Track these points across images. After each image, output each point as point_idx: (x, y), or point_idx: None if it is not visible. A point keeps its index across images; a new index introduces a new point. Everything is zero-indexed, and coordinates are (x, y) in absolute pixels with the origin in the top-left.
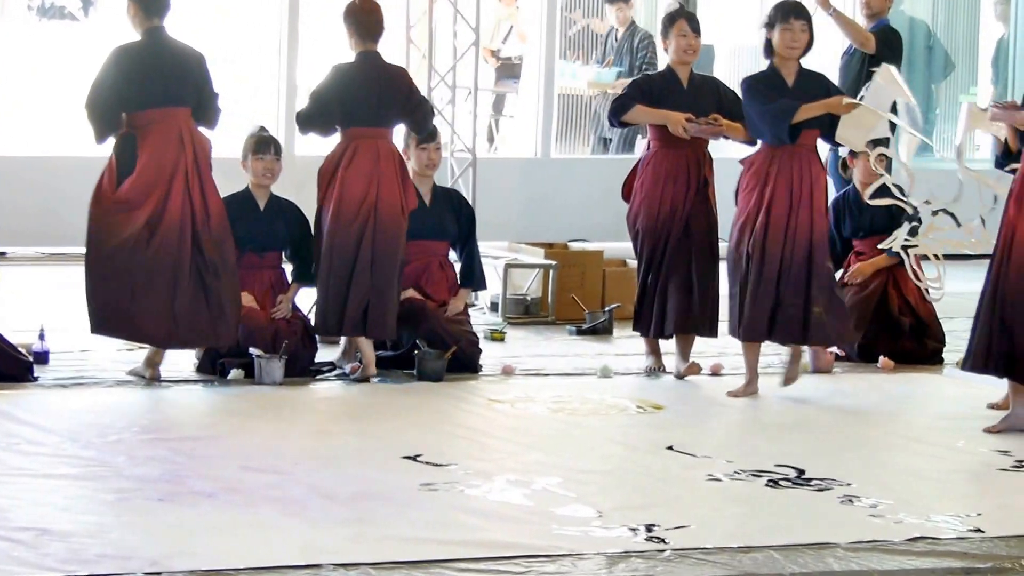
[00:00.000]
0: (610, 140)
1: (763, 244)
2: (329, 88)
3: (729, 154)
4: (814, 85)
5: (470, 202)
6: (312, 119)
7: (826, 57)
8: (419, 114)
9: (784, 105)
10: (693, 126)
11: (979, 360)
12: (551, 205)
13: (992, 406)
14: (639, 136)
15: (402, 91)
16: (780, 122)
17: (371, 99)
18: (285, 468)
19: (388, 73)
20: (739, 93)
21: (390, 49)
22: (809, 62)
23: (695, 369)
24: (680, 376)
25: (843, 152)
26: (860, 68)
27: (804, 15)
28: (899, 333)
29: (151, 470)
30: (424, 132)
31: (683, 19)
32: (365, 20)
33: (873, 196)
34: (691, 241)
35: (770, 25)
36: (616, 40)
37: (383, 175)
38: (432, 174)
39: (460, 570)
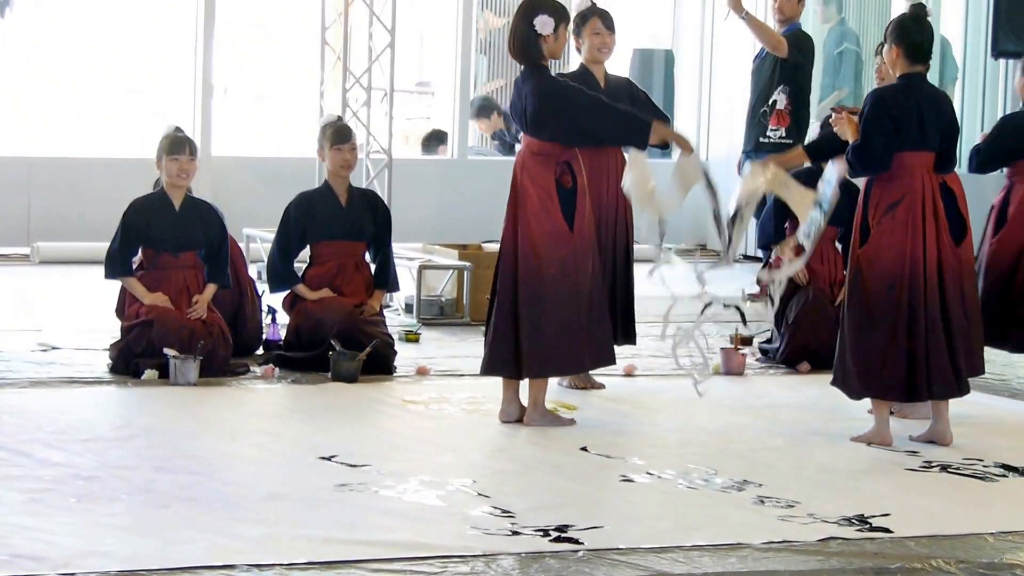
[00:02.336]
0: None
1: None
2: None
3: None
4: None
5: (386, 203)
6: None
7: (738, 60)
8: None
9: None
10: None
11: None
12: (466, 207)
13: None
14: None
15: None
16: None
17: None
18: (199, 468)
19: None
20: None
21: (305, 50)
22: (720, 66)
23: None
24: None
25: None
26: (772, 72)
27: None
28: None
29: (63, 471)
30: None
31: (596, 17)
32: None
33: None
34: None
35: None
36: None
37: None
38: (347, 175)
39: (374, 571)
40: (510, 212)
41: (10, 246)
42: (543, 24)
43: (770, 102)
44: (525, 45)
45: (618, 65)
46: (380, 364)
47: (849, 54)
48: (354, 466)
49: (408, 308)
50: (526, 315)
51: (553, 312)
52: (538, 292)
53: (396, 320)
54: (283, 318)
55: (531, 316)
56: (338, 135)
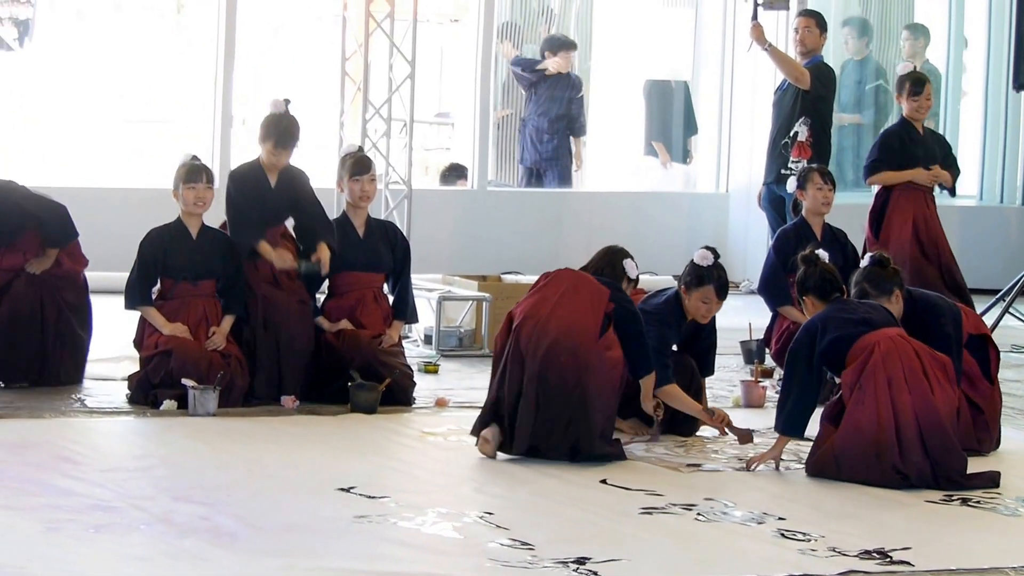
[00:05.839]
0: (543, 173)
1: None
2: None
3: None
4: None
5: (405, 234)
6: None
7: (759, 91)
8: None
9: None
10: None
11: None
12: (485, 238)
13: None
14: (574, 169)
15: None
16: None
17: None
18: (217, 499)
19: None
20: None
21: (325, 81)
22: (740, 97)
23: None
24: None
25: (790, 188)
26: (793, 103)
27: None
28: None
29: (82, 501)
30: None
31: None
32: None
33: None
34: None
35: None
36: None
37: None
38: (366, 206)
39: None
40: None
41: None
42: (631, 268)
43: (792, 133)
44: (613, 276)
45: (634, 95)
46: (399, 396)
47: (882, 90)
48: (372, 497)
49: (427, 339)
50: None
51: None
52: None
53: (415, 351)
54: None
55: None
56: (357, 166)
